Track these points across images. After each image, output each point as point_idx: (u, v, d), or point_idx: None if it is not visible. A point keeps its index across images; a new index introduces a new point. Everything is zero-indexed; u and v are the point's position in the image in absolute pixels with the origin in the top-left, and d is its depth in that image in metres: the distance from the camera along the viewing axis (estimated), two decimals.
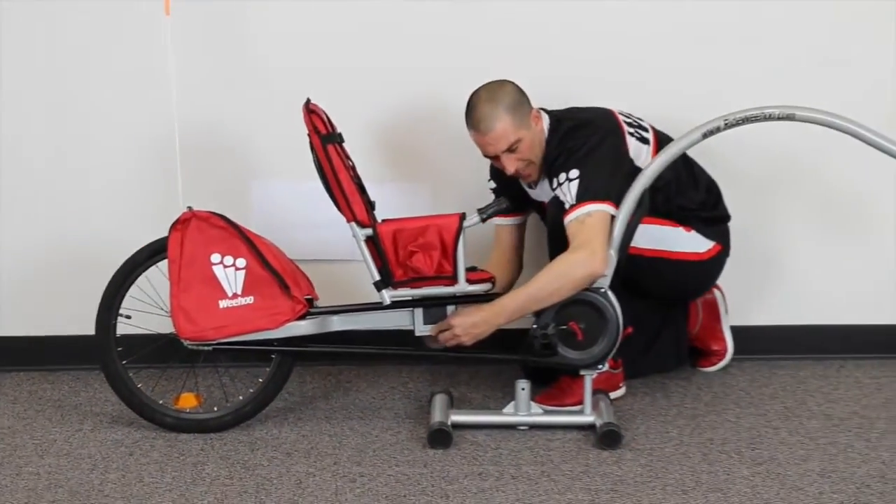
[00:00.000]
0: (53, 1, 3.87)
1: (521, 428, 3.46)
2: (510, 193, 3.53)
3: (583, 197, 3.35)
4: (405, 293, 3.40)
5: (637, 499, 3.03)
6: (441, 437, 3.35)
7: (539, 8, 3.89)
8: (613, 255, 3.36)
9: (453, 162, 3.86)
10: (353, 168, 3.46)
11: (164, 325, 3.50)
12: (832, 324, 4.06)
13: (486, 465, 3.24)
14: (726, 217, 3.73)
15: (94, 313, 3.50)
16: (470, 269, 3.43)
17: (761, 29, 3.91)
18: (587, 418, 3.43)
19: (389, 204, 3.67)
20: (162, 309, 3.52)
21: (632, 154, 3.51)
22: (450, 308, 3.41)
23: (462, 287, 3.38)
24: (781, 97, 3.54)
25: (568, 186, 3.38)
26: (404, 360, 4.03)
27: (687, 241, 3.61)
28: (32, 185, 3.99)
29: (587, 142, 3.43)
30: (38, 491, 3.13)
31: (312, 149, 3.38)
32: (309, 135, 3.37)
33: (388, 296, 3.39)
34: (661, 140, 3.59)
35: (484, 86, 3.46)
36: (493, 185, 3.72)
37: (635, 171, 3.45)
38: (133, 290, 3.51)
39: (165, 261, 3.42)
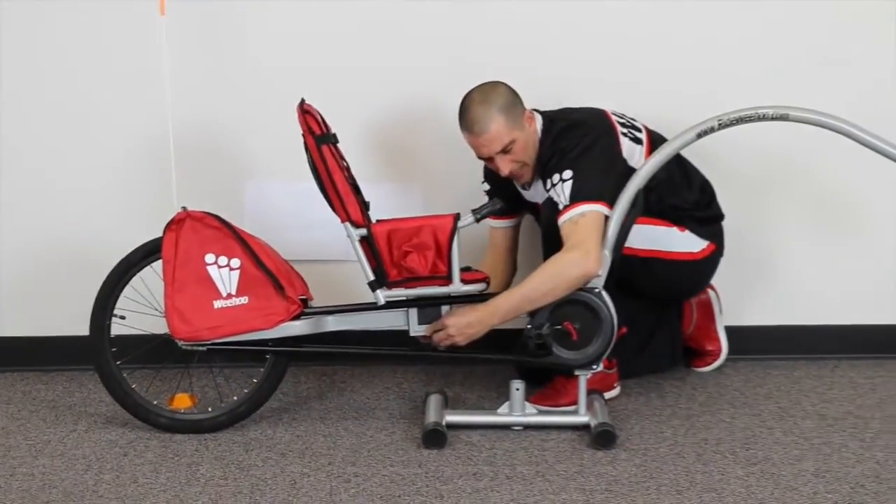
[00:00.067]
0: (49, 1, 3.86)
1: (516, 428, 3.46)
2: (504, 195, 3.53)
3: (576, 197, 3.36)
4: (400, 293, 3.40)
5: (632, 499, 3.03)
6: (436, 438, 3.35)
7: (536, 8, 3.89)
8: (608, 255, 3.36)
9: (448, 162, 3.87)
10: (348, 168, 3.46)
11: (158, 326, 3.50)
12: (827, 324, 4.07)
13: (480, 465, 3.24)
14: (720, 216, 3.74)
15: (88, 313, 3.49)
16: (464, 270, 3.44)
17: (761, 29, 3.91)
18: (582, 418, 3.43)
19: (384, 204, 3.67)
20: (156, 309, 3.51)
21: (625, 154, 3.51)
22: (444, 308, 3.42)
23: (456, 287, 3.38)
24: (781, 97, 3.54)
25: (561, 187, 3.38)
26: (399, 360, 4.03)
27: (681, 241, 3.61)
28: (27, 186, 3.98)
29: (580, 142, 3.43)
30: (32, 492, 3.13)
31: (307, 149, 3.38)
32: (303, 135, 3.37)
33: (382, 296, 3.39)
34: (655, 140, 3.60)
35: (477, 87, 3.46)
36: (486, 186, 3.72)
37: (629, 171, 3.45)
38: (127, 291, 3.51)
39: (160, 261, 3.41)
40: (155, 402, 3.55)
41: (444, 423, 3.40)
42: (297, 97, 3.41)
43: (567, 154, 3.42)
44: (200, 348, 3.42)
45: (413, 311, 3.42)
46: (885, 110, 3.88)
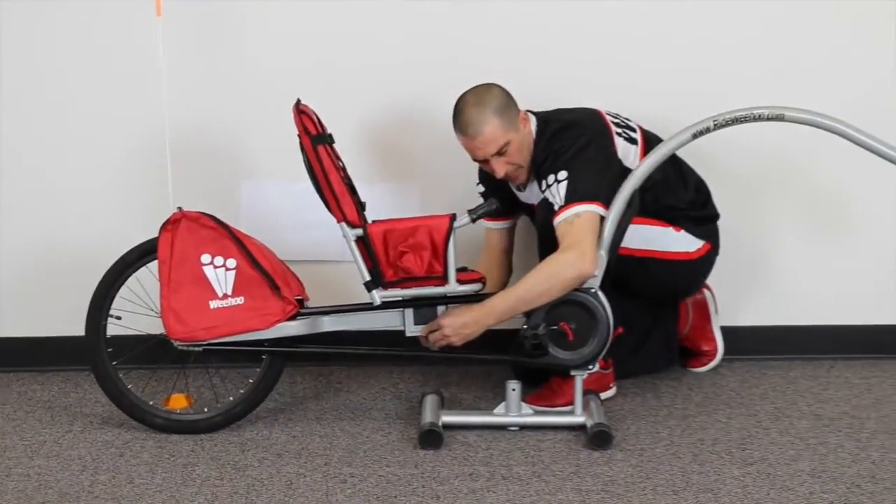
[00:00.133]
0: (43, 1, 3.86)
1: (512, 428, 3.46)
2: (499, 197, 3.53)
3: (571, 198, 3.36)
4: (395, 294, 3.40)
5: (628, 499, 3.03)
6: (432, 438, 3.35)
7: (534, 8, 3.89)
8: (604, 255, 3.36)
9: (444, 163, 3.86)
10: (344, 169, 3.46)
11: (154, 326, 3.50)
12: (822, 324, 4.07)
13: (476, 465, 3.24)
14: (715, 216, 3.74)
15: (83, 314, 3.49)
16: (460, 270, 3.44)
17: (761, 29, 3.91)
18: (578, 419, 3.43)
19: (380, 204, 3.67)
20: (152, 310, 3.51)
21: (620, 154, 3.51)
22: (440, 308, 3.42)
23: (452, 287, 3.38)
24: (781, 97, 3.54)
25: (557, 188, 3.38)
26: (395, 360, 4.03)
27: (677, 241, 3.61)
28: (24, 186, 3.98)
29: (575, 143, 3.43)
30: (27, 492, 3.12)
31: (303, 149, 3.38)
32: (299, 135, 3.37)
33: (378, 296, 3.39)
34: (649, 140, 3.60)
35: (470, 90, 3.46)
36: (482, 189, 3.72)
37: (624, 171, 3.45)
38: (123, 291, 3.50)
39: (155, 261, 3.41)
40: (151, 403, 3.55)
41: (440, 424, 3.40)
42: (292, 97, 3.41)
43: (562, 155, 3.42)
44: (196, 349, 3.42)
45: (409, 312, 3.42)
46: (885, 110, 3.88)
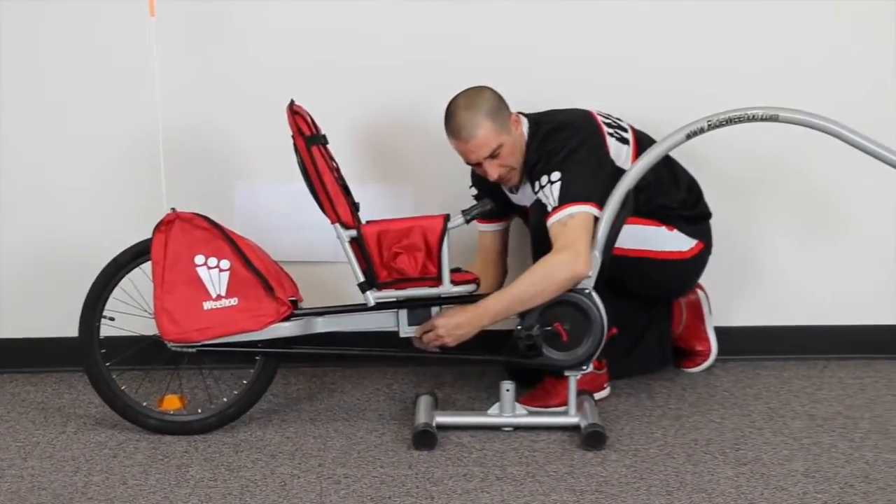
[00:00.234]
0: (37, 2, 3.85)
1: (506, 429, 3.46)
2: (492, 199, 3.52)
3: (565, 199, 3.36)
4: (389, 294, 3.40)
5: (622, 499, 3.03)
6: (426, 439, 3.35)
7: (531, 8, 3.89)
8: (598, 255, 3.36)
9: (438, 163, 3.86)
10: (338, 169, 3.46)
11: (147, 327, 3.50)
12: (816, 324, 4.07)
13: (470, 466, 3.24)
14: (707, 215, 3.74)
15: (77, 315, 3.48)
16: (454, 271, 3.44)
17: (761, 29, 3.92)
18: (572, 419, 3.43)
19: (373, 205, 3.67)
20: (145, 311, 3.51)
21: (612, 154, 3.51)
22: (434, 309, 3.42)
23: (446, 288, 3.38)
24: (781, 97, 3.54)
25: (550, 189, 3.38)
26: (389, 361, 4.02)
27: (670, 241, 3.62)
28: (14, 187, 3.97)
29: (567, 144, 3.43)
30: (21, 494, 3.12)
31: (296, 150, 3.38)
32: (293, 136, 3.37)
33: (372, 297, 3.39)
34: (641, 140, 3.60)
35: (462, 93, 3.46)
36: (475, 191, 3.72)
37: (616, 171, 3.46)
38: (116, 292, 3.50)
39: (149, 262, 3.41)
40: (144, 404, 3.55)
41: (434, 424, 3.39)
42: (286, 98, 3.41)
43: (554, 156, 3.42)
44: (190, 350, 3.42)
45: (403, 313, 3.42)
46: (885, 111, 3.89)
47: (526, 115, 3.56)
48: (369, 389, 3.85)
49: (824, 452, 3.31)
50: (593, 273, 3.36)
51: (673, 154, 3.56)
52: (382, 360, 4.03)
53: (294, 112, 3.36)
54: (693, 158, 3.78)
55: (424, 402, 3.53)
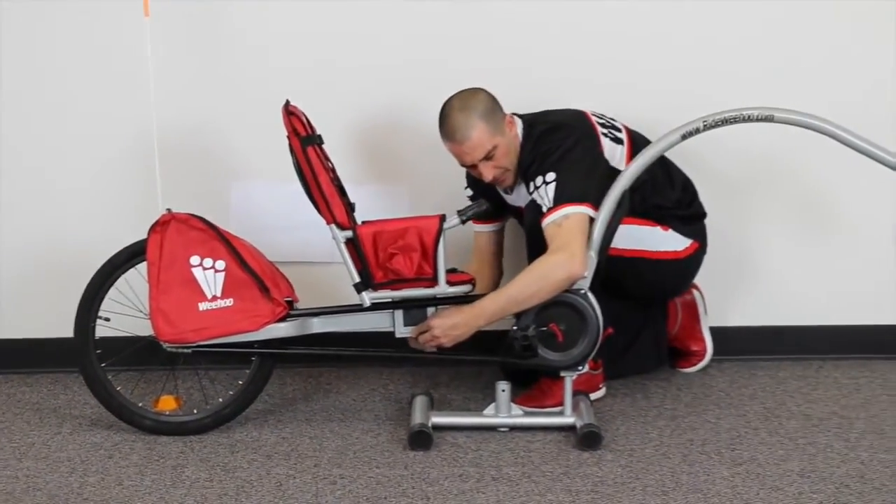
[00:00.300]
0: (37, 2, 3.84)
1: (502, 429, 3.46)
2: (487, 199, 3.52)
3: (560, 199, 3.36)
4: (385, 295, 3.40)
5: (617, 500, 3.03)
6: (421, 439, 3.35)
7: (527, 8, 3.89)
8: (594, 256, 3.36)
9: (433, 164, 3.86)
10: (333, 170, 3.46)
11: (143, 328, 3.49)
12: (811, 324, 4.07)
13: (466, 466, 3.24)
14: (702, 214, 3.74)
15: (72, 316, 3.48)
16: (450, 271, 3.44)
17: (761, 29, 3.92)
18: (567, 419, 3.43)
19: (369, 206, 3.67)
20: (141, 311, 3.50)
21: (606, 154, 3.51)
22: (430, 310, 3.41)
23: (442, 289, 3.37)
24: (781, 97, 3.55)
25: (545, 190, 3.38)
26: (385, 361, 4.02)
27: (665, 240, 3.62)
28: (9, 187, 3.97)
29: (562, 144, 3.43)
30: (16, 494, 3.12)
31: (292, 151, 3.38)
32: (288, 137, 3.37)
33: (368, 298, 3.39)
34: (636, 139, 3.60)
35: (456, 95, 3.45)
36: (470, 192, 3.72)
37: (611, 171, 3.46)
38: (112, 293, 3.50)
39: (144, 263, 3.41)
40: (140, 405, 3.55)
41: (429, 425, 3.39)
42: (282, 98, 3.41)
43: (549, 157, 3.42)
44: (185, 350, 3.42)
45: (399, 313, 3.42)
46: (885, 111, 3.90)
47: (520, 116, 3.56)
48: (365, 390, 3.85)
49: (820, 452, 3.31)
50: (589, 273, 3.36)
51: (668, 154, 3.56)
52: (378, 361, 4.03)
53: (289, 112, 3.36)
54: (688, 158, 3.78)
55: (420, 402, 3.53)
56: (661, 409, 3.64)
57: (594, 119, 3.57)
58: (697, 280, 3.83)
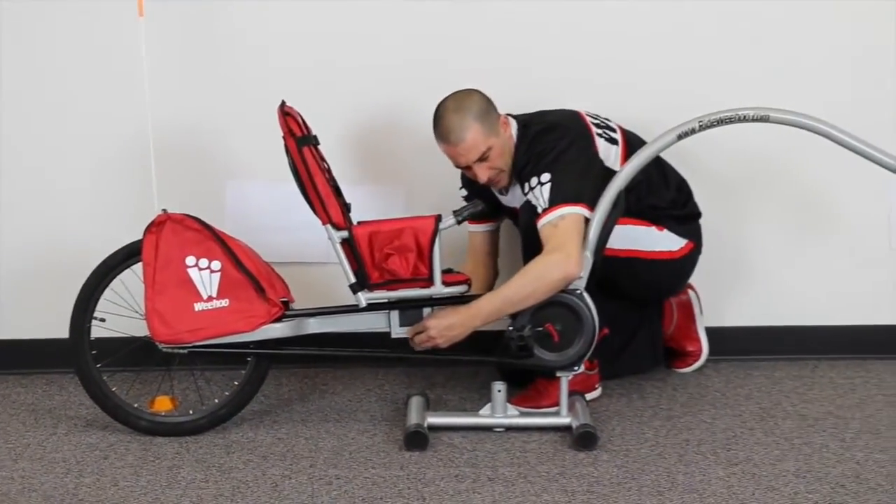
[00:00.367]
0: (37, 2, 3.84)
1: (498, 430, 3.46)
2: (483, 200, 3.52)
3: (555, 200, 3.36)
4: (381, 295, 3.39)
5: (613, 500, 3.03)
6: (417, 440, 3.35)
7: (524, 8, 3.89)
8: (589, 256, 3.36)
9: (428, 164, 3.85)
10: (329, 170, 3.46)
11: (138, 328, 3.49)
12: (807, 324, 4.08)
13: (462, 467, 3.24)
14: (697, 214, 3.75)
15: (67, 316, 3.47)
16: (446, 272, 3.44)
17: (761, 29, 3.92)
18: (563, 420, 3.43)
19: (365, 206, 3.67)
20: (136, 312, 3.50)
21: (601, 155, 3.51)
22: (426, 310, 3.41)
23: (438, 289, 3.37)
24: (781, 98, 3.55)
25: (540, 190, 3.38)
26: (380, 362, 4.02)
27: (660, 240, 3.62)
28: (4, 188, 3.96)
29: (556, 145, 3.43)
30: (11, 496, 3.11)
31: (287, 151, 3.38)
32: (284, 137, 3.36)
33: (363, 298, 3.39)
34: (630, 140, 3.60)
35: (450, 96, 3.45)
36: (465, 193, 3.72)
37: (605, 171, 3.46)
38: (107, 293, 3.49)
39: (140, 264, 3.40)
40: (135, 405, 3.54)
41: (425, 425, 3.39)
42: (277, 98, 3.40)
43: (543, 158, 3.42)
44: (181, 351, 3.41)
45: (394, 314, 3.42)
46: (885, 111, 3.90)
47: (514, 117, 3.56)
48: (361, 390, 3.85)
49: (815, 452, 3.31)
50: (585, 274, 3.36)
51: (664, 154, 3.56)
52: (374, 361, 4.03)
53: (285, 113, 3.36)
54: (684, 158, 3.79)
55: (416, 402, 3.53)
56: (656, 409, 3.65)
57: (589, 119, 3.57)
58: (693, 280, 3.83)
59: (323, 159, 3.44)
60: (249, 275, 3.38)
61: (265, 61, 3.90)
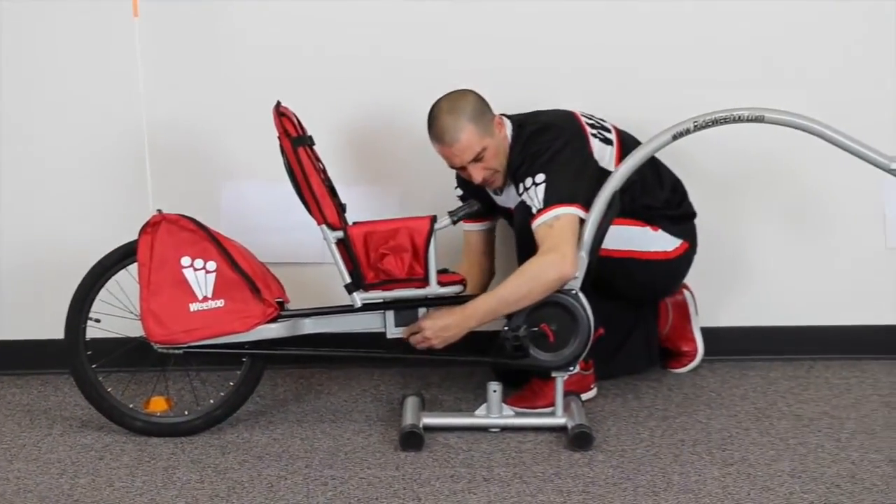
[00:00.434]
0: (37, 2, 3.84)
1: (493, 430, 3.46)
2: (477, 200, 3.52)
3: (550, 201, 3.35)
4: (376, 296, 3.39)
5: (609, 500, 3.03)
6: (413, 440, 3.35)
7: (528, 9, 3.89)
8: (584, 256, 3.36)
9: (424, 164, 3.85)
10: (324, 171, 3.46)
11: (134, 329, 3.49)
12: (802, 325, 4.08)
13: (457, 467, 3.24)
14: (692, 214, 3.75)
15: (63, 317, 3.47)
16: (441, 272, 3.44)
17: (762, 29, 3.92)
18: (559, 420, 3.43)
19: (360, 207, 3.67)
20: (132, 312, 3.50)
21: (596, 155, 3.51)
22: (421, 310, 3.41)
23: (433, 289, 3.37)
24: (780, 98, 3.54)
25: (535, 191, 3.38)
26: (376, 362, 4.02)
27: (655, 241, 3.62)
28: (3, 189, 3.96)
29: (551, 146, 3.43)
30: (7, 496, 3.11)
31: (283, 151, 3.37)
32: (279, 137, 3.36)
33: (359, 298, 3.39)
34: (625, 140, 3.61)
35: (444, 97, 3.45)
36: (460, 192, 3.72)
37: (600, 172, 3.46)
38: (103, 294, 3.49)
39: (135, 264, 3.40)
40: (131, 406, 3.54)
41: (421, 426, 3.39)
42: (273, 99, 3.40)
43: (538, 158, 3.42)
44: (176, 351, 3.41)
45: (390, 314, 3.42)
46: (885, 111, 3.90)
47: (509, 117, 3.56)
48: (356, 391, 3.85)
49: (810, 452, 3.31)
50: (580, 274, 3.36)
51: (659, 154, 3.56)
52: (369, 362, 4.03)
53: (280, 113, 3.36)
54: (679, 159, 3.79)
55: (411, 403, 3.53)
56: (652, 409, 3.65)
57: (583, 120, 3.57)
58: (688, 280, 3.84)
59: (318, 160, 3.44)
60: (245, 275, 3.37)
61: (261, 62, 3.89)
